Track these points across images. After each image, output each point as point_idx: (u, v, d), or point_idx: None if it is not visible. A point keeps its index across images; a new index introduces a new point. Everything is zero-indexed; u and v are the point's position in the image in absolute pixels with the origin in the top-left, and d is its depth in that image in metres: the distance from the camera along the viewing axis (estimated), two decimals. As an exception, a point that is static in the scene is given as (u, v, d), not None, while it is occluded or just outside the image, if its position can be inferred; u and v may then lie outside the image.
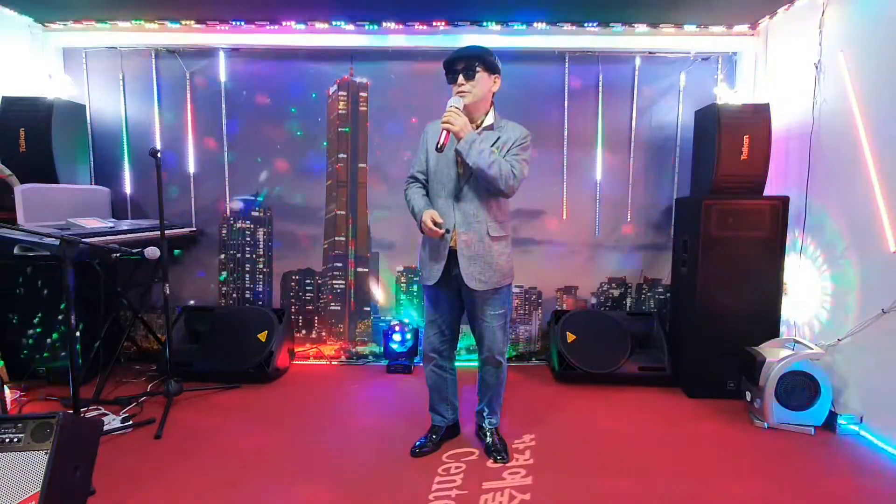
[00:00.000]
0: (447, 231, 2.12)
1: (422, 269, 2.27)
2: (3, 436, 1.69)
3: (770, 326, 2.92)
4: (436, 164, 2.18)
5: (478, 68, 2.08)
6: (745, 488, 2.09)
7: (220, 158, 3.57)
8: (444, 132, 2.02)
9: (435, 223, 2.07)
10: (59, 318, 3.06)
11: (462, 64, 2.08)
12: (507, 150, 2.12)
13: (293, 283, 3.67)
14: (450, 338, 2.33)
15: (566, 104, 3.53)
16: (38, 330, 3.05)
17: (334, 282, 3.67)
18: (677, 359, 3.17)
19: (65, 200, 3.05)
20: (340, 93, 3.54)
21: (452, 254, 2.15)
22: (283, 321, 3.37)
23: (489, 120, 2.16)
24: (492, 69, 2.12)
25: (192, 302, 3.62)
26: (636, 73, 3.51)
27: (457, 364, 2.44)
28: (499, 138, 2.13)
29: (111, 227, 2.95)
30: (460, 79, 2.08)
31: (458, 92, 2.09)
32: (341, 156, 3.59)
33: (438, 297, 2.26)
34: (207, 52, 3.49)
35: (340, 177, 3.60)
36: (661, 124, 3.55)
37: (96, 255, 2.75)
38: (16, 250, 2.44)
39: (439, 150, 2.04)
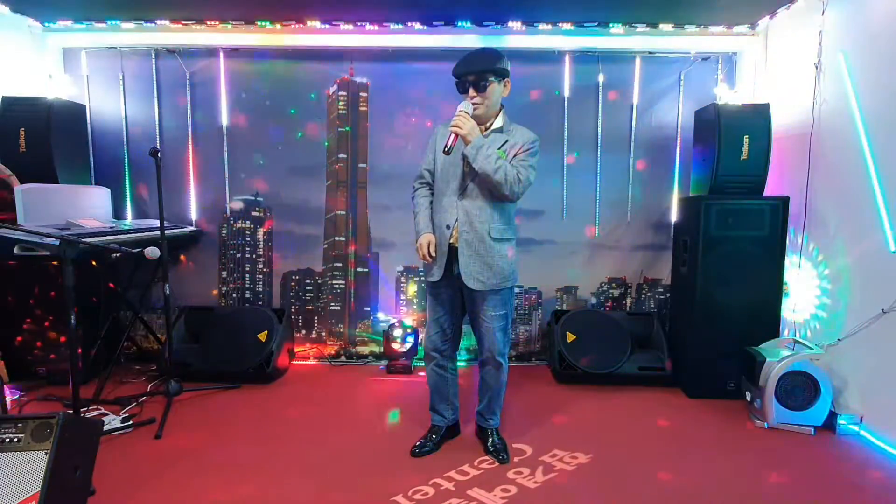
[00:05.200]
0: (448, 227, 2.15)
1: (424, 266, 2.28)
2: (3, 436, 1.68)
3: (770, 326, 2.92)
4: (442, 163, 2.19)
5: (489, 80, 2.08)
6: (745, 488, 2.09)
7: (220, 158, 3.57)
8: (452, 135, 2.04)
9: (430, 253, 2.15)
10: (60, 317, 3.06)
11: (473, 77, 2.08)
12: (515, 155, 2.12)
13: (293, 283, 3.67)
14: (451, 337, 2.33)
15: (566, 104, 3.53)
16: (39, 330, 3.05)
17: (334, 282, 3.67)
18: (677, 359, 3.17)
19: (65, 200, 3.05)
20: (340, 93, 3.54)
21: (454, 250, 2.15)
22: (283, 321, 3.37)
23: (498, 123, 2.17)
24: (502, 75, 2.13)
25: (191, 302, 3.62)
26: (636, 73, 3.51)
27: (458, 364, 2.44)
28: (506, 141, 2.14)
29: (111, 227, 2.95)
30: (472, 91, 2.09)
31: (472, 104, 2.10)
32: (341, 156, 3.59)
33: (441, 295, 2.26)
34: (207, 52, 3.49)
35: (340, 177, 3.60)
36: (661, 124, 3.55)
37: (96, 255, 2.75)
38: (16, 250, 2.44)
39: (446, 152, 2.06)
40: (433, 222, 2.23)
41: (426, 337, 2.34)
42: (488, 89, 2.08)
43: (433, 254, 2.16)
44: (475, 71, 2.08)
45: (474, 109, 2.10)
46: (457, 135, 2.03)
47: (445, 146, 2.05)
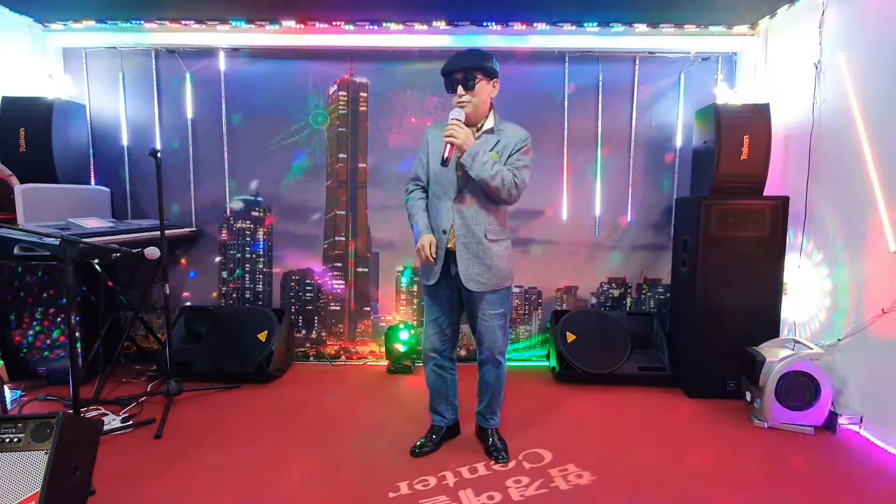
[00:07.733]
0: (445, 232, 2.15)
1: (422, 268, 2.28)
2: (3, 436, 1.69)
3: (770, 326, 2.92)
4: (436, 167, 2.18)
5: (477, 77, 2.06)
6: (745, 488, 2.09)
7: (220, 158, 3.57)
8: (448, 146, 2.03)
9: (432, 254, 2.13)
10: (60, 317, 3.06)
11: (461, 74, 2.06)
12: (509, 155, 2.12)
13: (293, 283, 3.67)
14: (450, 337, 2.34)
15: (566, 104, 3.53)
16: (38, 330, 3.05)
17: (334, 282, 3.66)
18: (677, 359, 3.17)
19: (65, 200, 3.05)
20: (340, 93, 3.54)
21: (451, 253, 2.16)
22: (283, 321, 3.37)
23: (489, 123, 2.16)
24: (491, 75, 2.11)
25: (191, 302, 3.62)
26: (636, 73, 3.51)
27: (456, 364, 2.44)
28: (498, 142, 2.13)
29: (111, 227, 2.95)
30: (460, 89, 2.07)
31: (458, 103, 2.09)
32: (341, 156, 3.59)
33: (439, 296, 2.26)
34: (207, 52, 3.49)
35: (340, 177, 3.60)
36: (661, 124, 3.55)
37: (96, 255, 2.75)
38: (16, 250, 2.44)
39: (444, 164, 2.05)
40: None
41: (424, 338, 2.35)
42: (476, 87, 2.07)
43: (435, 255, 2.16)
44: (463, 68, 2.06)
45: (463, 108, 2.09)
46: (452, 144, 2.03)
47: (443, 158, 2.04)
